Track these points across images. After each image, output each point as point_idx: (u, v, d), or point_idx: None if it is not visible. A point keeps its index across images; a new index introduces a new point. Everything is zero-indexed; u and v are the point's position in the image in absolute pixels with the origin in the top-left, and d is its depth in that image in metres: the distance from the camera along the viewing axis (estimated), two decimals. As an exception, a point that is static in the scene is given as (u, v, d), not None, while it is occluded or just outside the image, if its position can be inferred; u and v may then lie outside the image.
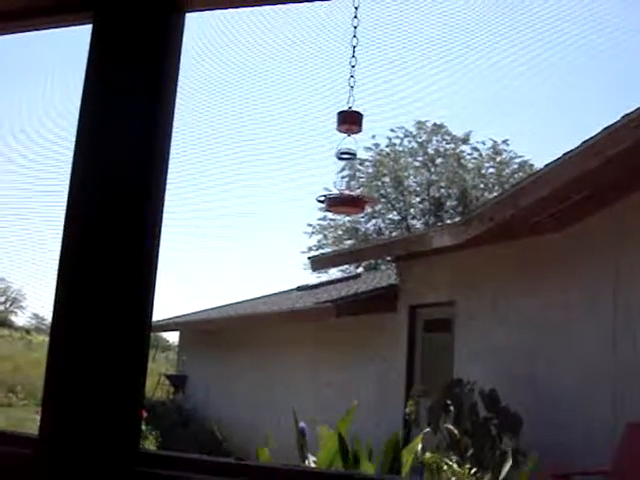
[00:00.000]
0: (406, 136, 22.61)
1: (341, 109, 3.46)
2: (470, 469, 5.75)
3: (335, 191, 3.78)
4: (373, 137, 21.45)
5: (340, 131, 3.52)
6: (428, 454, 5.51)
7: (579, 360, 6.84)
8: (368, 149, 21.54)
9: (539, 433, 6.75)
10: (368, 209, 19.64)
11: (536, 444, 6.49)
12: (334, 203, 3.74)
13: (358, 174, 20.49)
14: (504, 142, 21.93)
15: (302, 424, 4.71)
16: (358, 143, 3.62)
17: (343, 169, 3.72)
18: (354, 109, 3.46)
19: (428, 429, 6.90)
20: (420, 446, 6.46)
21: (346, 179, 3.74)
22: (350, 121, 3.47)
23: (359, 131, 3.53)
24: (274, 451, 4.48)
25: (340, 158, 3.61)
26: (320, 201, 3.94)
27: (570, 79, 22.01)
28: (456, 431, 6.56)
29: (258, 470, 1.24)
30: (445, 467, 5.00)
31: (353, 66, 3.39)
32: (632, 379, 6.21)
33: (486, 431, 6.57)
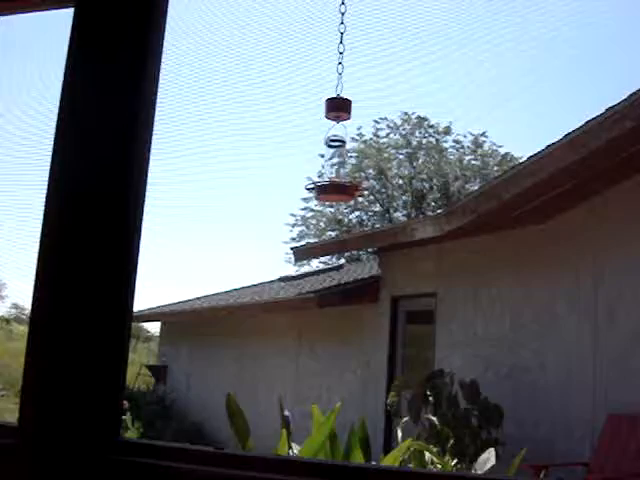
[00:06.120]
0: (389, 128, 22.65)
1: (329, 96, 3.39)
2: (453, 459, 5.77)
3: (324, 179, 3.69)
4: (359, 128, 21.47)
5: (328, 118, 3.45)
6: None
7: (560, 352, 6.88)
8: (353, 139, 21.56)
9: (519, 424, 6.79)
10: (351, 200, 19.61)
11: (516, 435, 6.53)
12: (324, 191, 3.65)
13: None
14: (483, 134, 22.11)
15: (287, 412, 4.68)
16: (347, 130, 3.56)
17: (332, 157, 3.64)
18: (342, 96, 3.40)
19: (406, 419, 6.92)
20: (400, 435, 6.48)
21: (335, 167, 3.64)
22: (339, 108, 3.41)
23: (348, 118, 3.46)
24: (257, 440, 4.46)
25: (329, 145, 3.55)
26: (309, 189, 3.86)
27: (553, 73, 22.13)
28: (437, 420, 6.58)
29: (237, 459, 1.23)
30: (427, 456, 5.00)
31: (341, 53, 3.35)
32: (613, 371, 6.26)
33: (467, 422, 6.60)
